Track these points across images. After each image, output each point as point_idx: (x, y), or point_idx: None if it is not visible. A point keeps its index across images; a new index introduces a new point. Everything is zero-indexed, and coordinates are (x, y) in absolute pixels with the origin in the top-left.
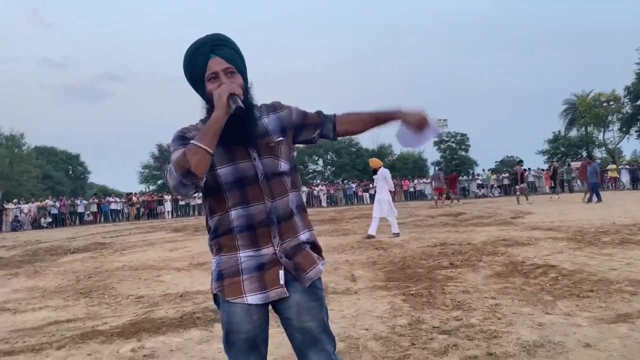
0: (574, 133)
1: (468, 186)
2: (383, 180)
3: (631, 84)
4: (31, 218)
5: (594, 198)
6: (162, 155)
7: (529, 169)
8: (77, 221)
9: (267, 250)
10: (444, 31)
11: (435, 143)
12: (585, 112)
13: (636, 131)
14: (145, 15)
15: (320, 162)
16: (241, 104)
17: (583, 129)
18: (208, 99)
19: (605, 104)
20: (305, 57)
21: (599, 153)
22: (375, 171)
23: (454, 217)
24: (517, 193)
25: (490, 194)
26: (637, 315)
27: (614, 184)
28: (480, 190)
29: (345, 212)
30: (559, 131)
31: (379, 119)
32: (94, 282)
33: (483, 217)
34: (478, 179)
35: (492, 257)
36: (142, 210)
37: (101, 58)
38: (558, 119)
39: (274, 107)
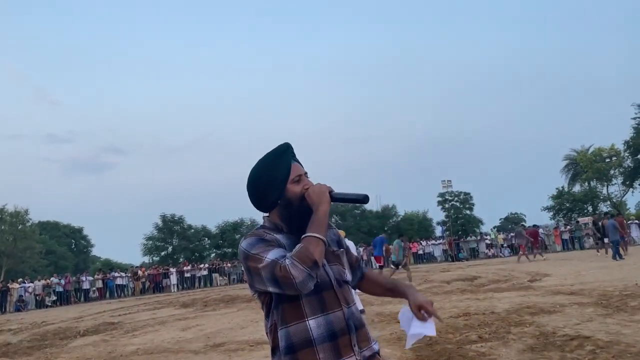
0: (577, 188)
1: (477, 246)
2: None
3: (630, 138)
4: (38, 297)
5: (617, 255)
6: (166, 226)
7: (539, 227)
8: (82, 298)
9: None
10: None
11: (439, 203)
12: (586, 167)
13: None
14: (146, 88)
15: None
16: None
17: (586, 184)
18: (289, 200)
19: (608, 160)
20: (306, 118)
21: (604, 207)
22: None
23: (469, 281)
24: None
25: (501, 254)
26: None
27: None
28: (489, 250)
29: None
30: (562, 187)
31: (393, 290)
32: None
33: (500, 281)
34: (487, 238)
35: (520, 327)
36: (147, 284)
37: (103, 131)
38: (560, 174)
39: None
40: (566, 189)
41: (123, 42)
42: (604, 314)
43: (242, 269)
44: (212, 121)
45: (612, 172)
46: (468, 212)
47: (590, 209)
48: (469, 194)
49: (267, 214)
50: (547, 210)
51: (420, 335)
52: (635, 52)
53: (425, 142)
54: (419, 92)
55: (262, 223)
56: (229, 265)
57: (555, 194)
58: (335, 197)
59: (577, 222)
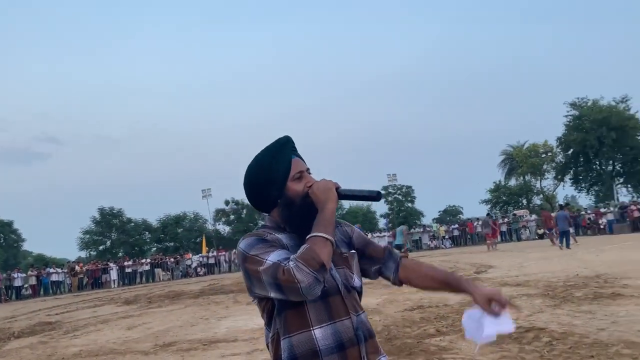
0: (512, 182)
1: (420, 239)
2: None
3: (562, 134)
4: None
5: (563, 244)
6: (104, 220)
7: (477, 219)
8: (14, 296)
9: None
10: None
11: (383, 196)
12: (522, 162)
13: (570, 179)
14: (84, 75)
15: None
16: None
17: (521, 178)
18: (290, 198)
19: (543, 155)
20: (255, 110)
21: (537, 200)
22: None
23: None
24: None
25: (443, 246)
26: None
27: (556, 231)
28: (432, 242)
29: None
30: (499, 180)
31: (450, 284)
32: None
33: None
34: (429, 231)
35: None
36: (85, 279)
37: (37, 120)
38: (497, 169)
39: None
40: (503, 183)
41: (60, 28)
42: (553, 305)
43: (241, 271)
44: (153, 111)
45: (545, 166)
46: (410, 204)
47: (524, 201)
48: (410, 187)
49: (267, 214)
50: (484, 203)
51: (494, 336)
52: (567, 53)
53: (368, 135)
54: (364, 86)
55: (263, 222)
56: (171, 260)
57: (492, 187)
58: (343, 194)
59: (515, 214)
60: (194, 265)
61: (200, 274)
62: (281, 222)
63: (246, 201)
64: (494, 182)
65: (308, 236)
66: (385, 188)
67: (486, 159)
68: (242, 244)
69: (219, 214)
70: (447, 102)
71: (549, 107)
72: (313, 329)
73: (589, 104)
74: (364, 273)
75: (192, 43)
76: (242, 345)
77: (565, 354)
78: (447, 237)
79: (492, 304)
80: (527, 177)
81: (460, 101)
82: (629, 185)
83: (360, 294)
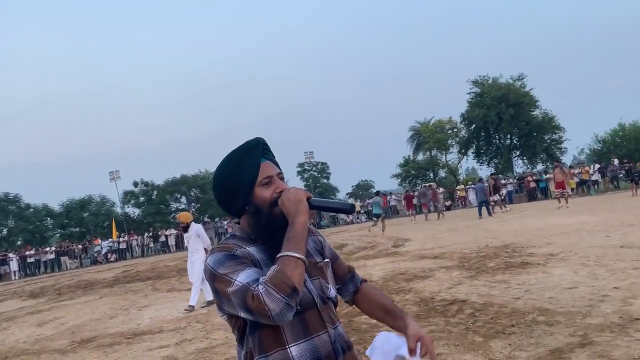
0: (420, 157)
1: (337, 214)
2: (197, 238)
3: (465, 111)
4: None
5: (485, 212)
6: None
7: (390, 193)
8: None
9: None
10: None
11: (299, 172)
12: (428, 137)
13: (472, 152)
14: None
15: (184, 199)
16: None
17: (428, 152)
18: (257, 206)
19: (450, 131)
20: (169, 88)
21: (443, 173)
22: (185, 228)
23: (338, 249)
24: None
25: (358, 220)
26: (568, 349)
27: (463, 203)
28: (348, 217)
29: None
30: (408, 155)
31: (392, 315)
32: None
33: (367, 248)
34: None
35: (400, 295)
36: None
37: None
38: (406, 144)
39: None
40: (411, 158)
41: None
42: (470, 276)
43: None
44: (49, 86)
45: (449, 141)
46: (325, 180)
47: (431, 175)
48: (325, 163)
49: (238, 221)
50: (395, 177)
51: None
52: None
53: (284, 112)
54: (280, 63)
55: (232, 232)
56: (79, 246)
57: (402, 162)
58: (314, 205)
59: (421, 187)
60: (104, 251)
61: (111, 260)
62: (251, 233)
63: (156, 181)
64: (404, 157)
65: (278, 255)
66: (301, 165)
67: (396, 135)
68: (211, 260)
69: (128, 196)
70: (360, 82)
71: (454, 85)
72: (289, 347)
73: (489, 82)
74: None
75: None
76: (169, 336)
77: (489, 324)
78: (362, 211)
79: (418, 345)
80: (434, 152)
81: (372, 80)
82: (524, 158)
83: (335, 304)
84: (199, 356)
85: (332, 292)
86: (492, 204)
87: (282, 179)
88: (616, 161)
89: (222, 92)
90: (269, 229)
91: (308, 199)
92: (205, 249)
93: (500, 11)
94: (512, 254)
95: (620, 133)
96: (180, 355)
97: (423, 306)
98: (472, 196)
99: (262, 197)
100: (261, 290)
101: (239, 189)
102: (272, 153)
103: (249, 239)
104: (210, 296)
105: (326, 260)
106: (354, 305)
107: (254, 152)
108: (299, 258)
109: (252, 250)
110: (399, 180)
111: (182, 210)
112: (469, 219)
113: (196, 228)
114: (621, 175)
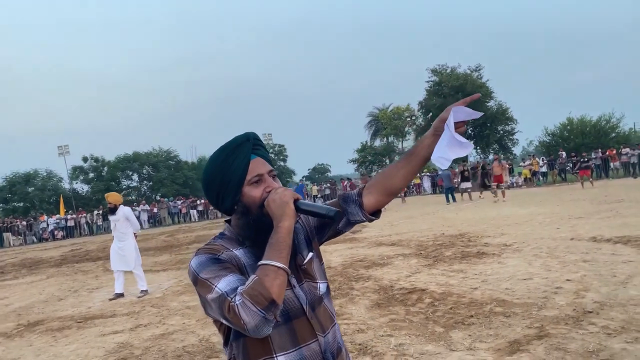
0: (377, 143)
1: None
2: (126, 222)
3: (423, 99)
4: None
5: (451, 199)
6: None
7: (349, 179)
8: None
9: None
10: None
11: None
12: (386, 124)
13: None
14: None
15: (136, 177)
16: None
17: (385, 139)
18: (246, 206)
19: (407, 118)
20: (109, 61)
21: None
22: (113, 209)
23: None
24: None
25: None
26: (526, 341)
27: (417, 190)
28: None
29: (176, 234)
30: (366, 141)
31: (418, 145)
32: None
33: None
34: None
35: (361, 283)
36: None
37: None
38: (364, 130)
39: None
40: (369, 143)
41: None
42: (427, 265)
43: None
44: None
45: (407, 129)
46: (282, 163)
47: (387, 161)
48: (283, 146)
49: (228, 219)
50: (352, 163)
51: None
52: (430, 24)
53: (242, 93)
54: (235, 39)
55: (223, 230)
56: (23, 222)
57: (359, 147)
58: (301, 209)
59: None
60: (51, 228)
61: (58, 237)
62: (239, 234)
63: (107, 157)
64: (361, 143)
65: (259, 263)
66: None
67: (355, 120)
68: (194, 262)
69: (77, 172)
70: (320, 65)
71: (414, 73)
72: (276, 357)
73: (447, 71)
74: (336, 235)
75: None
76: (122, 320)
77: (448, 314)
78: (319, 195)
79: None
80: (391, 139)
81: (335, 61)
82: (478, 148)
83: (327, 293)
84: (155, 343)
85: (322, 287)
86: (462, 191)
87: (274, 176)
88: (564, 154)
89: (178, 70)
90: (256, 231)
91: (295, 201)
92: (135, 234)
93: (459, 6)
94: (468, 244)
95: (569, 127)
96: (135, 342)
97: (383, 294)
98: (426, 183)
99: (252, 196)
100: (237, 302)
101: (227, 188)
102: (264, 148)
103: (238, 240)
104: (145, 286)
105: (310, 253)
106: (375, 216)
107: (243, 148)
108: (279, 267)
109: (239, 253)
110: (356, 165)
111: (133, 188)
112: (425, 205)
113: (125, 211)
114: (568, 167)
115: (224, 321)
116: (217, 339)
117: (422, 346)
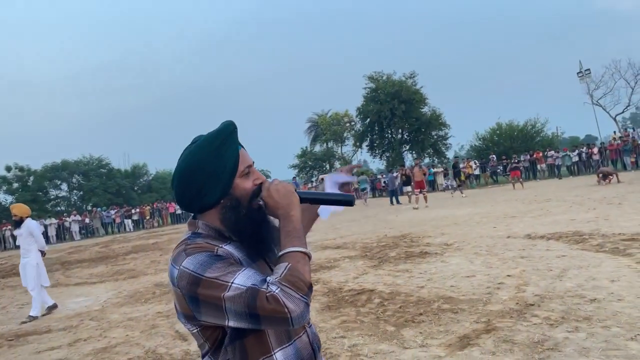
0: (317, 148)
1: None
2: (30, 237)
3: (361, 105)
4: None
5: (395, 201)
6: None
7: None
8: None
9: None
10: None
11: None
12: (325, 129)
13: (367, 145)
14: None
15: (65, 186)
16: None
17: (325, 144)
18: (236, 199)
19: (346, 124)
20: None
21: (338, 165)
22: (18, 222)
23: None
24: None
25: None
26: (475, 335)
27: (357, 195)
28: None
29: (111, 245)
30: (306, 147)
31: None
32: None
33: None
34: None
35: None
36: None
37: None
38: (304, 135)
39: None
40: (309, 149)
41: None
42: (373, 266)
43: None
44: None
45: (345, 134)
46: None
47: (327, 166)
48: None
49: (198, 217)
50: (293, 168)
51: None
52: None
53: (174, 98)
54: (165, 46)
55: (193, 230)
56: None
57: (299, 153)
58: (303, 198)
59: (322, 179)
60: None
61: None
62: (225, 229)
63: (33, 167)
64: (301, 148)
65: (283, 251)
66: None
67: (295, 125)
68: (189, 263)
69: None
70: (261, 70)
71: (352, 80)
72: (274, 353)
73: (384, 78)
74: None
75: None
76: (59, 336)
77: (398, 313)
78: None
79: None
80: (330, 144)
81: (272, 70)
82: (414, 152)
83: None
84: (97, 357)
85: None
86: (407, 194)
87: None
88: (494, 157)
89: (112, 73)
90: (247, 224)
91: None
92: (41, 251)
93: (396, 10)
94: (411, 244)
95: (498, 132)
96: (75, 357)
97: (332, 297)
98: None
99: (244, 188)
100: (276, 291)
101: (219, 179)
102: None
103: (221, 236)
104: (50, 301)
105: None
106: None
107: (232, 138)
108: (306, 253)
109: (229, 248)
110: (297, 170)
111: (62, 198)
112: (366, 209)
113: (30, 225)
114: (499, 170)
115: (237, 321)
116: (164, 350)
117: (375, 345)
